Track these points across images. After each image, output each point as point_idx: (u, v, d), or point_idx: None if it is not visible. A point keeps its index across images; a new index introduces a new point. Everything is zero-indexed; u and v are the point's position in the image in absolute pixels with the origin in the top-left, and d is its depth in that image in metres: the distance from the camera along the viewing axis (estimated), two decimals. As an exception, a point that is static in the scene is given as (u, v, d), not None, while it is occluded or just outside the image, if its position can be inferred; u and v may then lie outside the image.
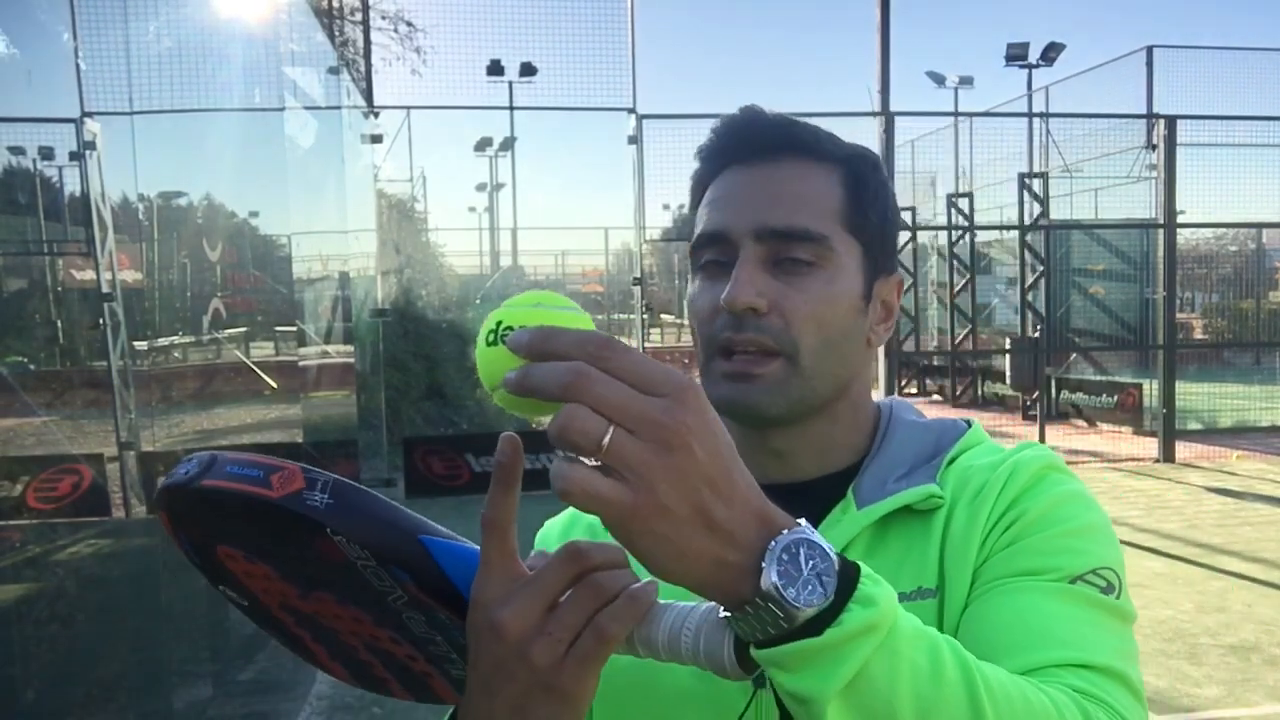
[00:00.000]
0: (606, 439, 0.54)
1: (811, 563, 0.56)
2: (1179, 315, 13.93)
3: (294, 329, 7.99)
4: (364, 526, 0.64)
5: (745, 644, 0.60)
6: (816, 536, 0.57)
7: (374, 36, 12.27)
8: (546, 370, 0.56)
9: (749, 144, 0.87)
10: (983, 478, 0.85)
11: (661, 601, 0.63)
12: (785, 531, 0.57)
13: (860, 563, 0.59)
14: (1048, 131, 14.52)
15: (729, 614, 0.59)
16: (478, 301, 19.49)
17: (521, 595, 0.60)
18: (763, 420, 0.86)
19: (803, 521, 0.59)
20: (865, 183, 0.88)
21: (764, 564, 0.56)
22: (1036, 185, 13.98)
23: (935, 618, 0.81)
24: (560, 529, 1.02)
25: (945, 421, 0.94)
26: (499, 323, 0.61)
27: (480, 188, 32.03)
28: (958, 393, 16.57)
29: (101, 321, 8.89)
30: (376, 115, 11.30)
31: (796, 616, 0.56)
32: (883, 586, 0.59)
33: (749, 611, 0.57)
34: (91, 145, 8.86)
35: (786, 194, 0.85)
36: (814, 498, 0.87)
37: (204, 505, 0.65)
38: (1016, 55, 20.94)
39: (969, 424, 0.95)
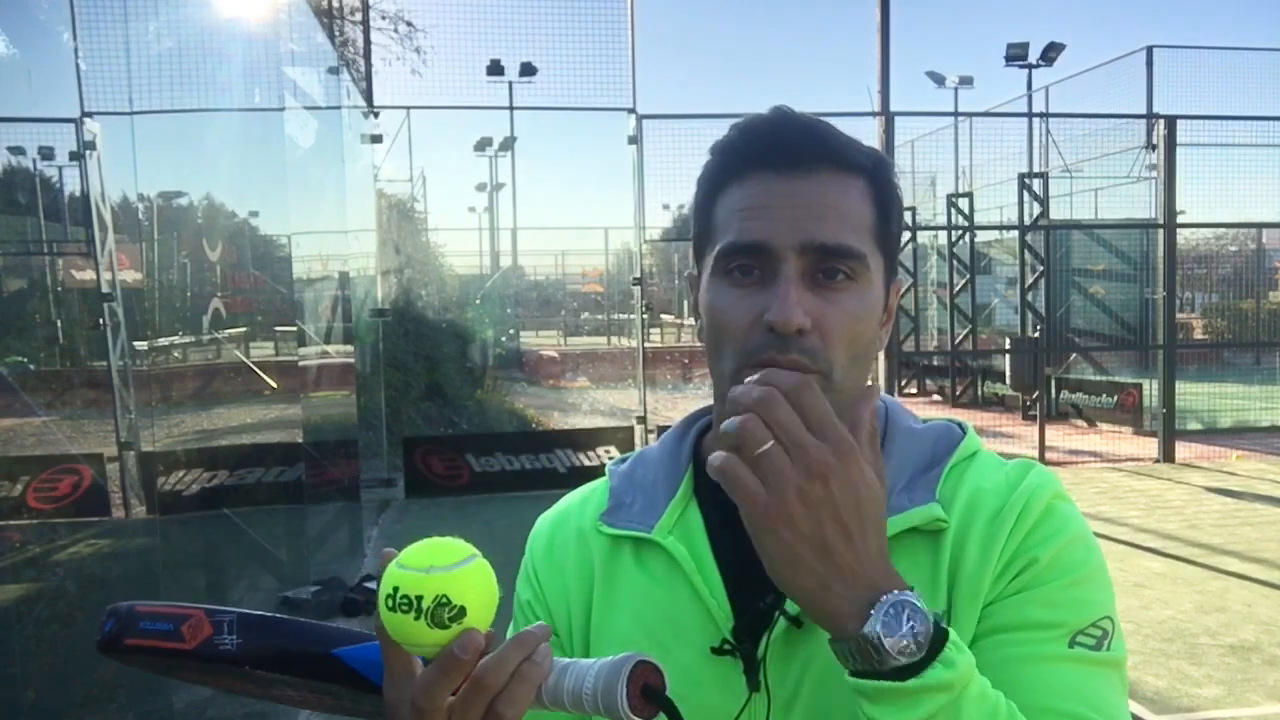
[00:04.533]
0: (766, 446, 0.69)
1: (911, 623, 0.68)
2: (1179, 315, 13.92)
3: (294, 329, 7.98)
4: (276, 658, 0.71)
5: (644, 691, 0.69)
6: (920, 603, 0.69)
7: (374, 36, 12.27)
8: (744, 389, 0.71)
9: (782, 152, 0.85)
10: (993, 505, 0.85)
11: (562, 660, 0.70)
12: (896, 591, 0.69)
13: (950, 629, 0.70)
14: (1048, 131, 14.53)
15: (835, 642, 0.71)
16: (478, 301, 19.50)
17: (423, 695, 0.68)
18: None
19: (913, 589, 0.71)
20: (890, 194, 0.88)
21: (871, 611, 0.69)
22: (1036, 185, 13.98)
23: None
24: (548, 529, 1.02)
25: (939, 426, 0.94)
26: (395, 588, 0.67)
27: (480, 188, 32.03)
28: (958, 393, 16.56)
29: (101, 321, 8.89)
30: (376, 115, 11.29)
31: (888, 663, 0.68)
32: (965, 654, 0.70)
33: (851, 645, 0.69)
34: (91, 145, 8.86)
35: (829, 209, 0.84)
36: None
37: (138, 655, 0.73)
38: (1016, 55, 20.94)
39: (963, 429, 0.94)
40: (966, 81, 25.25)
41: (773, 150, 0.85)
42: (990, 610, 0.82)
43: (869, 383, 0.91)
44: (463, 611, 0.66)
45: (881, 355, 11.66)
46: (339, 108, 8.92)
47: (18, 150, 12.42)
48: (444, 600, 0.66)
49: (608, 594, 0.93)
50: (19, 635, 4.64)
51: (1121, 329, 15.00)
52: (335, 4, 11.95)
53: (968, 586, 0.83)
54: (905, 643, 0.68)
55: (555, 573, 0.97)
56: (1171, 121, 11.87)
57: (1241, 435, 13.37)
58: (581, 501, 1.01)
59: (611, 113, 10.90)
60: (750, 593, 0.86)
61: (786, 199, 0.84)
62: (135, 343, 8.92)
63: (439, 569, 0.66)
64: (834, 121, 0.90)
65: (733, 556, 0.88)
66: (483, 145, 29.73)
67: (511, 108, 17.75)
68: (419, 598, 0.65)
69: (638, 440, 10.27)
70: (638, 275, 11.08)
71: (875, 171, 0.87)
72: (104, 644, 0.73)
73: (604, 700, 0.67)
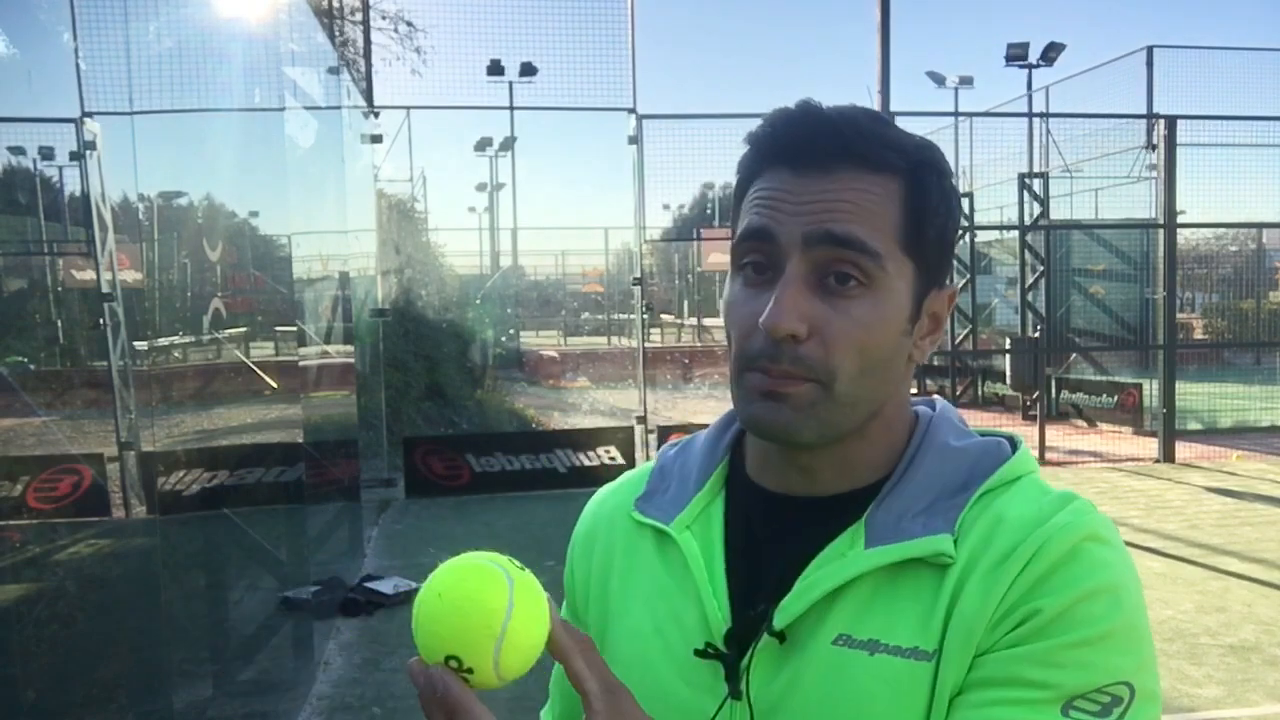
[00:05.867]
0: None
1: None
2: (1179, 315, 13.92)
3: (294, 329, 7.97)
4: None
5: None
6: None
7: (374, 36, 12.27)
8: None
9: (799, 150, 0.81)
10: (1009, 542, 0.77)
11: None
12: None
13: None
14: (1048, 131, 14.53)
15: None
16: (478, 301, 19.50)
17: None
18: (792, 443, 0.83)
19: None
20: (927, 196, 0.82)
21: None
22: (1036, 185, 13.98)
23: (929, 682, 0.77)
24: (593, 507, 1.03)
25: (988, 443, 0.86)
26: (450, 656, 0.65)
27: (480, 188, 32.09)
28: (958, 393, 16.56)
29: (101, 321, 8.89)
30: (376, 115, 11.29)
31: None
32: None
33: None
34: (91, 145, 8.86)
35: (842, 204, 0.79)
36: (835, 515, 0.84)
37: None
38: (1016, 55, 20.92)
39: (1014, 446, 0.86)
40: (966, 81, 25.26)
41: (791, 148, 0.82)
42: (981, 660, 0.76)
43: (891, 397, 0.86)
44: (470, 671, 0.65)
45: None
46: (339, 108, 8.92)
47: (18, 150, 12.44)
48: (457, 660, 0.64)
49: (629, 578, 0.94)
50: (19, 635, 4.64)
51: (1121, 329, 15.00)
52: (335, 4, 11.95)
53: (961, 631, 0.76)
54: None
55: (586, 552, 0.99)
56: (1171, 121, 11.87)
57: (1241, 435, 13.37)
58: (627, 483, 1.01)
59: (611, 113, 10.91)
60: (755, 598, 0.85)
61: (798, 195, 0.80)
62: (135, 343, 8.92)
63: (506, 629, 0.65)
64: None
65: (746, 558, 0.87)
66: (483, 145, 29.79)
67: (511, 108, 17.77)
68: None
69: (637, 440, 10.26)
70: (638, 275, 11.07)
71: (913, 171, 0.82)
72: None
73: None
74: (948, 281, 0.88)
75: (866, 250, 0.79)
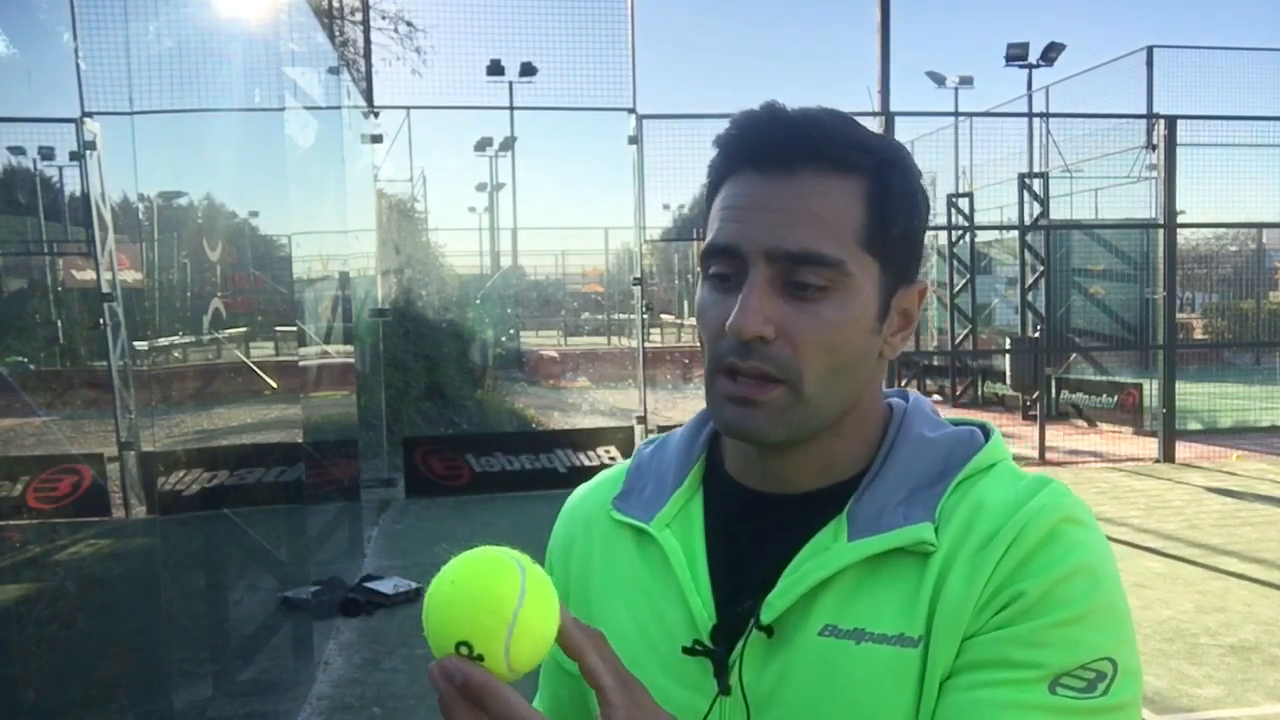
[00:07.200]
0: None
1: None
2: (1179, 315, 13.92)
3: (294, 329, 7.97)
4: None
5: None
6: None
7: (374, 36, 12.28)
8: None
9: (765, 152, 0.82)
10: (990, 526, 0.79)
11: None
12: None
13: None
14: (1048, 131, 14.53)
15: None
16: (478, 301, 19.50)
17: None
18: (764, 445, 0.85)
19: None
20: (890, 195, 0.83)
21: None
22: (1036, 185, 13.98)
23: (918, 669, 0.78)
24: (570, 507, 1.03)
25: (961, 433, 0.88)
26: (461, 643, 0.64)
27: (480, 188, 32.09)
28: (958, 393, 16.57)
29: (101, 321, 8.89)
30: (376, 115, 11.29)
31: None
32: None
33: None
34: (91, 145, 8.86)
35: (803, 213, 0.80)
36: (815, 510, 0.86)
37: None
38: (1016, 55, 20.92)
39: (987, 435, 0.88)
40: (966, 81, 25.25)
41: (757, 149, 0.82)
42: (969, 644, 0.77)
43: (864, 392, 0.87)
44: (480, 658, 0.64)
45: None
46: (339, 108, 8.92)
47: (18, 150, 12.44)
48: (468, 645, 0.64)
49: (609, 578, 0.94)
50: (19, 635, 4.64)
51: (1121, 329, 15.00)
52: (335, 4, 11.95)
53: (948, 617, 0.78)
54: None
55: (565, 554, 0.99)
56: (1171, 121, 11.87)
57: (1241, 435, 13.37)
58: (603, 483, 1.01)
59: (611, 113, 10.90)
60: (739, 594, 0.85)
61: (763, 200, 0.81)
62: (135, 343, 8.92)
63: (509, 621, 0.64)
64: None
65: (728, 555, 0.88)
66: (483, 145, 29.79)
67: (511, 108, 17.78)
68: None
69: (637, 440, 10.26)
70: (638, 275, 11.07)
71: (877, 171, 0.83)
72: None
73: None
74: (918, 277, 0.90)
75: (825, 261, 0.80)
